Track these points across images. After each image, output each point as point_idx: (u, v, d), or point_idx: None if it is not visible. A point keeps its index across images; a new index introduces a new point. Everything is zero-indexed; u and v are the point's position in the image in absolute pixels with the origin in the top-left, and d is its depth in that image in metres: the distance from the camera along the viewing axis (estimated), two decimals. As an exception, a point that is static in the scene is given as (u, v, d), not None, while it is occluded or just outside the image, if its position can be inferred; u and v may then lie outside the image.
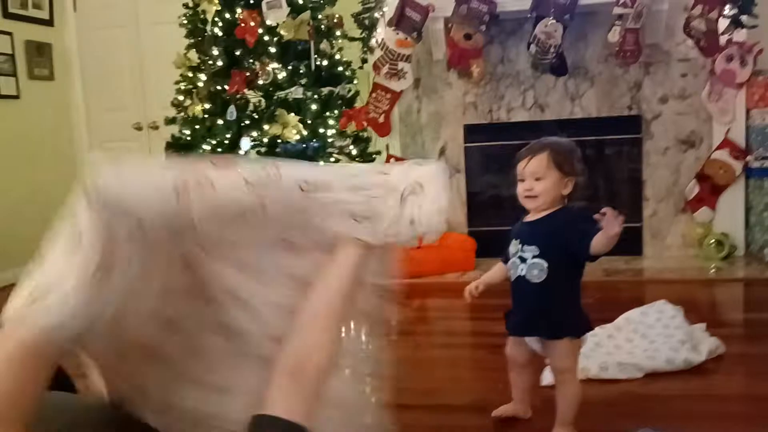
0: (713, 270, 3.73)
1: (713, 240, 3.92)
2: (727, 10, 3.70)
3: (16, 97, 4.58)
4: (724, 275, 3.63)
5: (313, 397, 0.95)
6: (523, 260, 1.73)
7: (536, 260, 1.70)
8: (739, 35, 3.76)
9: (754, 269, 3.67)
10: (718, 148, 3.92)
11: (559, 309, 1.74)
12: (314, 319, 1.01)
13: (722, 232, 3.95)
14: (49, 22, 4.85)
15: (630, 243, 4.15)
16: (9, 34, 4.50)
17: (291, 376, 0.95)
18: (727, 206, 3.97)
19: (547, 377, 2.20)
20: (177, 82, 3.85)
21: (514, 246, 1.77)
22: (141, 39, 4.94)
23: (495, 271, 1.89)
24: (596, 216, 1.57)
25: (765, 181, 3.77)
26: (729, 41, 3.76)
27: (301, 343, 0.98)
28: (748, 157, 3.84)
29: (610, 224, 1.54)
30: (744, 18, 3.69)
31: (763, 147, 3.78)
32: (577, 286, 1.77)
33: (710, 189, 3.96)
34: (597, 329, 2.49)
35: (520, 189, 1.74)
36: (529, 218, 1.78)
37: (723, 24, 3.74)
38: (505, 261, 1.84)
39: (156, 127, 4.87)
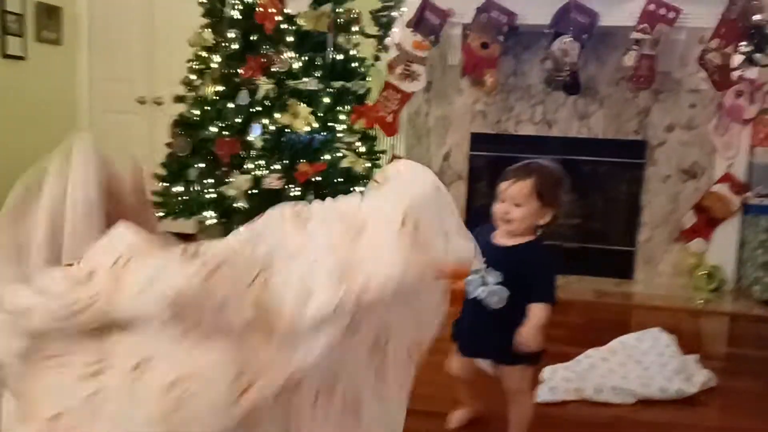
0: (701, 301, 3.77)
1: (704, 271, 3.97)
2: (743, 46, 3.73)
3: (22, 58, 4.52)
4: (712, 307, 3.67)
5: None
6: (484, 282, 1.66)
7: (498, 287, 1.64)
8: (751, 72, 3.80)
9: (742, 305, 3.72)
10: (719, 181, 3.96)
11: (514, 337, 1.67)
12: None
13: (714, 264, 3.99)
14: (61, -14, 4.79)
15: (622, 266, 4.20)
16: (21, -6, 4.45)
17: None
18: (722, 239, 4.02)
19: (542, 394, 2.22)
20: (189, 61, 3.80)
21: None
22: (154, 13, 4.88)
23: None
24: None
25: (761, 219, 3.81)
26: (740, 77, 3.80)
27: None
28: (748, 193, 3.89)
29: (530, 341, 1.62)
30: (758, 56, 3.73)
31: (763, 185, 3.82)
32: None
33: (706, 221, 4.00)
34: (591, 351, 2.52)
35: (498, 209, 1.69)
36: (499, 241, 1.72)
37: (737, 59, 3.78)
38: None
39: (160, 103, 4.83)
